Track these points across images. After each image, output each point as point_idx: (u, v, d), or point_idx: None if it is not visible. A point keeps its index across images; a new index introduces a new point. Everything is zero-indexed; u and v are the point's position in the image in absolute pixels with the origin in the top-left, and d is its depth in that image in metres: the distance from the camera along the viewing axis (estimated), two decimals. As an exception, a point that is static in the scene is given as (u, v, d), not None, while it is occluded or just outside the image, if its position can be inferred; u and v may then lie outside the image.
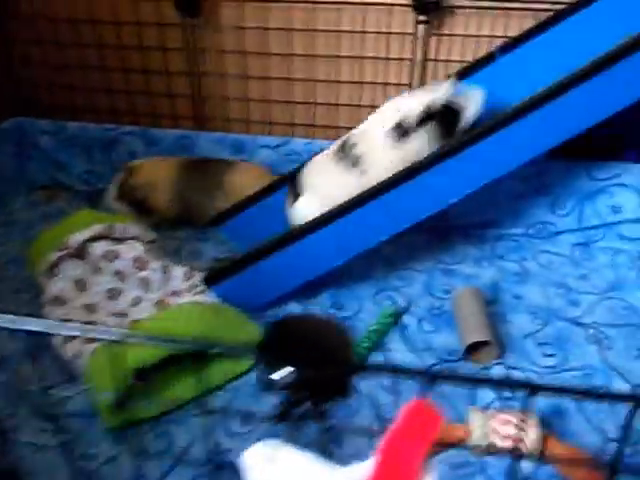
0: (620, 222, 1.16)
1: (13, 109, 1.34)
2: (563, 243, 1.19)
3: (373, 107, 1.05)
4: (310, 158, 1.06)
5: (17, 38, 1.31)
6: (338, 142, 1.01)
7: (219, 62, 1.26)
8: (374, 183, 0.94)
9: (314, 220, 0.97)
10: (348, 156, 0.97)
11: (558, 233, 1.19)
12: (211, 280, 1.01)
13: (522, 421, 0.74)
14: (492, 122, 0.90)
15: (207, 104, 1.31)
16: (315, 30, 1.18)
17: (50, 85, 1.35)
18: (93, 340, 0.81)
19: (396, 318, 1.01)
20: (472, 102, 0.93)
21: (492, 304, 1.05)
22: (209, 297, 0.94)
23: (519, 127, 0.89)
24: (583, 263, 1.15)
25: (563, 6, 1.05)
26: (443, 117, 0.92)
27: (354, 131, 1.00)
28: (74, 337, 0.84)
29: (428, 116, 0.92)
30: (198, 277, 1.01)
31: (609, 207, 1.16)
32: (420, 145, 0.93)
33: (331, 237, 0.97)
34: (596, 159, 1.15)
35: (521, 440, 0.74)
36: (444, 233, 1.19)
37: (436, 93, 0.94)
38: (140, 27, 1.24)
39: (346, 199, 0.95)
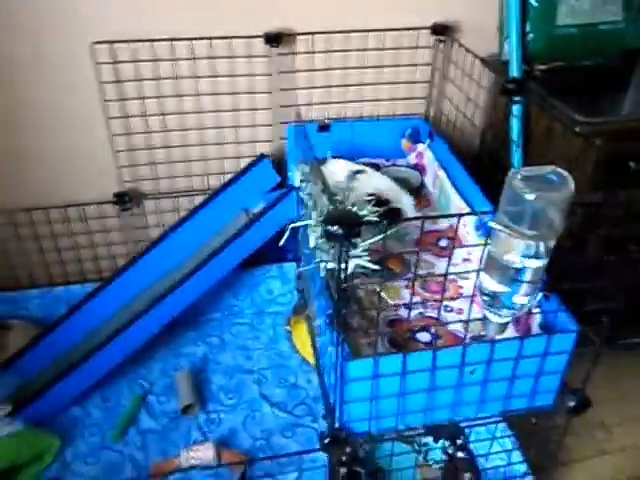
0: (274, 298, 1.95)
1: None
2: (245, 316, 1.94)
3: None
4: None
5: None
6: None
7: None
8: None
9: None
10: None
11: (240, 310, 1.92)
12: (16, 409, 1.53)
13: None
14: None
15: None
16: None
17: None
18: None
19: (142, 400, 1.63)
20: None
21: (201, 372, 1.74)
22: (16, 425, 1.48)
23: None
24: (258, 327, 1.92)
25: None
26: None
27: None
28: None
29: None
30: (5, 410, 1.53)
31: (266, 291, 1.94)
32: None
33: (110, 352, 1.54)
34: (252, 265, 1.83)
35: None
36: (171, 326, 1.83)
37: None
38: None
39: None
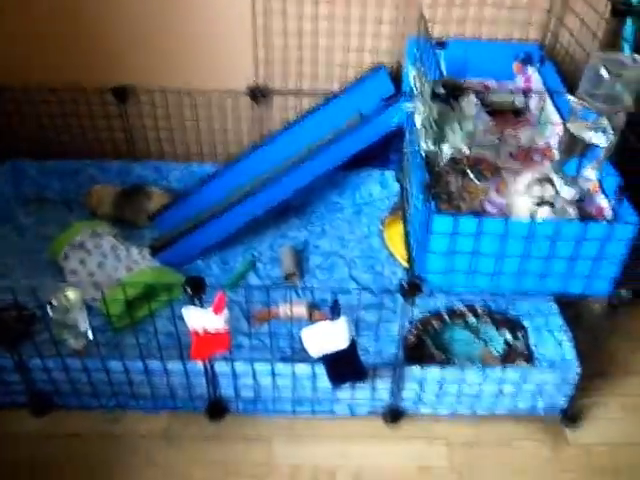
0: (373, 200, 2.17)
1: (7, 154, 2.11)
2: (345, 213, 2.18)
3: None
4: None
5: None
6: None
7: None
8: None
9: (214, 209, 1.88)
10: None
11: (342, 207, 2.18)
12: (154, 252, 1.90)
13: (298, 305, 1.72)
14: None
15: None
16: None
17: (31, 136, 2.11)
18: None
19: (253, 265, 1.96)
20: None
21: (302, 252, 2.02)
22: (154, 262, 1.85)
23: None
24: (354, 224, 2.15)
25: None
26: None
27: None
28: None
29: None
30: (146, 251, 1.90)
31: (367, 193, 2.17)
32: None
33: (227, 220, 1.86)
34: (358, 167, 2.09)
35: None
36: (281, 212, 2.12)
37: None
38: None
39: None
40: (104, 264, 1.83)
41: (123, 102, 1.99)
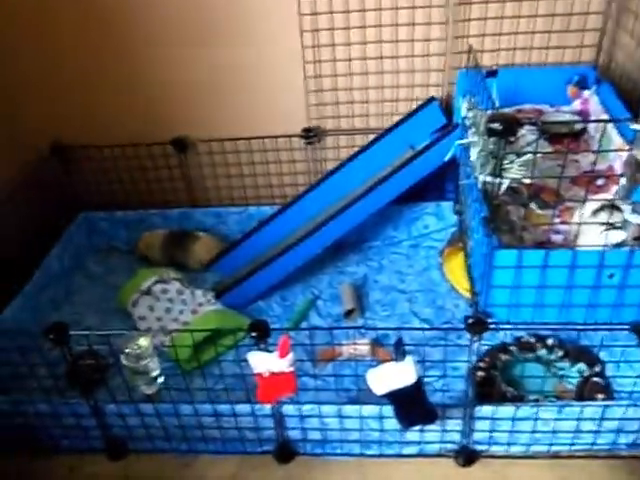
0: (429, 232, 2.15)
1: (78, 207, 2.24)
2: (402, 247, 2.17)
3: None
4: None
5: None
6: None
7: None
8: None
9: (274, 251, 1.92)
10: None
11: (399, 241, 2.18)
12: (218, 295, 1.95)
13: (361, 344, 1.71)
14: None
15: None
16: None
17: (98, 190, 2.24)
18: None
19: (313, 303, 1.97)
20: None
21: (362, 287, 2.02)
22: (219, 305, 1.89)
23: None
24: (412, 257, 2.13)
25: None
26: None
27: None
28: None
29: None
30: (210, 294, 1.95)
31: (423, 225, 2.16)
32: None
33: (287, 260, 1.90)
34: (412, 201, 2.08)
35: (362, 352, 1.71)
36: (338, 248, 2.14)
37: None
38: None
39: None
40: (171, 309, 1.89)
41: (183, 152, 2.09)
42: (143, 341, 1.36)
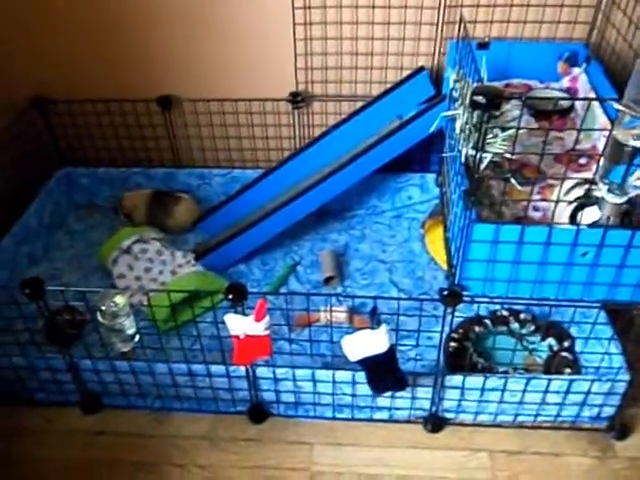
0: (413, 204, 2.16)
1: (59, 162, 2.21)
2: (385, 217, 2.18)
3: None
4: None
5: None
6: None
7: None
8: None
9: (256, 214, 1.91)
10: None
11: (382, 211, 2.19)
12: (198, 257, 1.94)
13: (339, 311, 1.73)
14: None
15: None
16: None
17: (80, 146, 2.20)
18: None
19: (293, 268, 1.98)
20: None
21: (343, 256, 2.03)
22: (199, 267, 1.89)
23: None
24: (395, 227, 2.14)
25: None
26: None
27: None
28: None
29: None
30: (190, 256, 1.94)
31: (407, 196, 2.16)
32: None
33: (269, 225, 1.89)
34: (397, 171, 2.09)
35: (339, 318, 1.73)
36: (321, 215, 2.14)
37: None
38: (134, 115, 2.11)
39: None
40: (150, 269, 1.88)
41: (167, 109, 2.05)
42: (119, 299, 1.36)
